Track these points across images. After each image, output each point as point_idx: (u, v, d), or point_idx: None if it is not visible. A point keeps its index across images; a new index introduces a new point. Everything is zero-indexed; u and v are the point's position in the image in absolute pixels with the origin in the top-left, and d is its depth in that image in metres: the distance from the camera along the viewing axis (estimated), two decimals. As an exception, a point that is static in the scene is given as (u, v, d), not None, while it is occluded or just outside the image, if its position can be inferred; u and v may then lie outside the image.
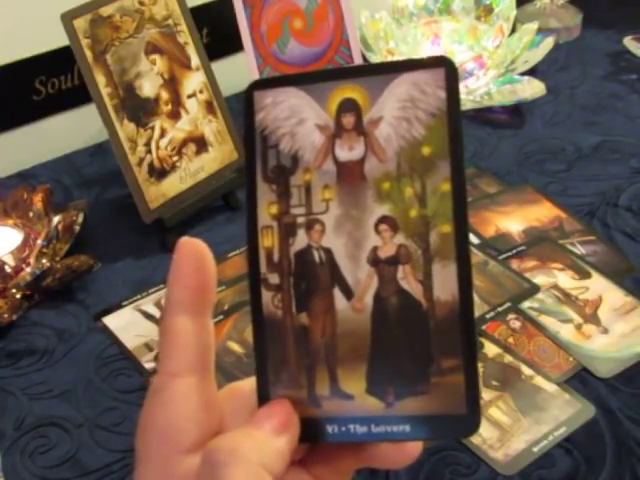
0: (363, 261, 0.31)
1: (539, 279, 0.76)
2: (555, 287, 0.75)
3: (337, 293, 0.31)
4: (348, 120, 0.31)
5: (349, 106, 0.31)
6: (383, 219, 0.30)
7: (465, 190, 0.30)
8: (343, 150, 0.31)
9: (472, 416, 0.29)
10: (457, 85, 0.30)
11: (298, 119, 0.31)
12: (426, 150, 0.30)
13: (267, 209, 0.31)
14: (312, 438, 0.31)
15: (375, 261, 0.30)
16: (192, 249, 0.31)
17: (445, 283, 0.30)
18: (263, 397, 0.31)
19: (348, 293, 0.31)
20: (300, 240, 0.31)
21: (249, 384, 0.32)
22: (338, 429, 0.30)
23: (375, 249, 0.30)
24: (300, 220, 0.31)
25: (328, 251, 0.31)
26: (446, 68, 0.30)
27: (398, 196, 0.30)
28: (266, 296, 0.31)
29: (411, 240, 0.30)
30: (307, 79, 0.32)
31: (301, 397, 0.31)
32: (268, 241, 0.31)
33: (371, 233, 0.30)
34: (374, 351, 0.30)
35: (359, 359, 0.30)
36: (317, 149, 0.31)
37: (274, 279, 0.31)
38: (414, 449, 0.31)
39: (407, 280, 0.30)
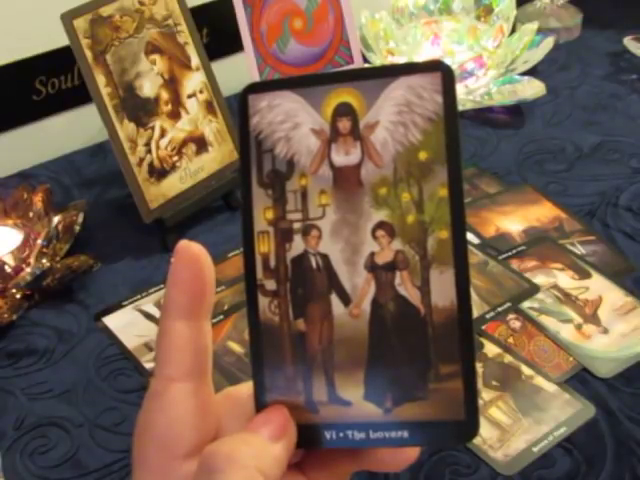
0: (360, 267, 0.30)
1: (539, 279, 0.76)
2: (555, 287, 0.75)
3: (334, 299, 0.31)
4: (344, 124, 0.31)
5: (345, 110, 0.31)
6: (380, 225, 0.30)
7: (463, 195, 0.30)
8: (339, 155, 0.31)
9: (471, 422, 0.29)
10: (454, 89, 0.30)
11: (293, 123, 0.31)
12: (423, 155, 0.30)
13: (263, 214, 0.31)
14: (309, 444, 0.31)
15: (372, 267, 0.30)
16: (190, 253, 0.30)
17: (443, 289, 0.29)
18: (260, 403, 0.31)
19: (345, 299, 0.31)
20: (297, 246, 0.31)
21: (246, 388, 0.32)
22: (336, 435, 0.30)
23: (372, 255, 0.30)
24: (296, 226, 0.31)
25: (325, 257, 0.31)
26: (443, 72, 0.30)
27: (395, 202, 0.30)
28: (263, 302, 0.31)
29: (408, 246, 0.30)
30: (302, 83, 0.31)
31: (298, 403, 0.31)
32: (264, 247, 0.31)
33: (368, 239, 0.30)
34: (372, 357, 0.30)
35: (357, 365, 0.30)
36: (313, 154, 0.31)
37: (271, 285, 0.31)
38: (411, 453, 0.31)
39: (405, 286, 0.30)
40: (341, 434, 0.30)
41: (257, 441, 0.29)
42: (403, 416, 0.30)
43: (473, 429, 0.29)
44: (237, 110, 0.32)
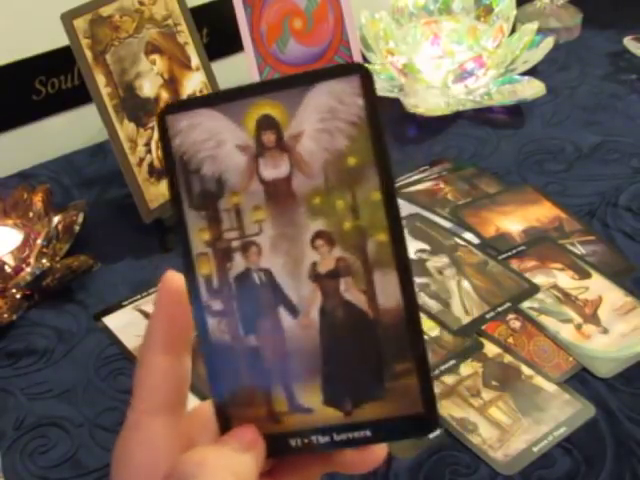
0: (304, 278, 0.30)
1: (539, 279, 0.76)
2: (555, 287, 0.75)
3: (282, 312, 0.31)
4: (268, 138, 0.30)
5: (268, 123, 0.30)
6: (318, 234, 0.30)
7: (396, 196, 0.30)
8: (267, 169, 0.30)
9: (429, 414, 0.30)
10: (374, 91, 0.29)
11: (217, 141, 0.31)
12: (352, 161, 0.30)
13: (199, 236, 0.31)
14: (276, 453, 0.31)
15: (316, 277, 0.30)
16: (175, 286, 0.31)
17: (388, 290, 0.30)
18: (224, 420, 0.31)
19: (293, 311, 0.31)
20: (238, 264, 0.31)
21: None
22: (301, 442, 0.31)
23: (314, 265, 0.30)
24: (235, 244, 0.31)
25: (268, 272, 0.31)
26: (361, 75, 0.29)
27: (330, 210, 0.30)
28: (212, 323, 0.31)
29: (349, 252, 0.30)
30: (220, 99, 0.31)
31: (261, 415, 0.31)
32: (205, 268, 0.31)
33: (308, 249, 0.30)
34: (326, 364, 0.30)
35: (313, 373, 0.31)
36: (241, 170, 0.31)
37: (217, 305, 0.31)
38: (379, 453, 0.31)
39: (350, 292, 0.30)
40: (306, 440, 0.30)
41: (227, 450, 0.30)
42: (364, 416, 0.30)
43: (433, 420, 0.30)
44: (158, 132, 0.31)
